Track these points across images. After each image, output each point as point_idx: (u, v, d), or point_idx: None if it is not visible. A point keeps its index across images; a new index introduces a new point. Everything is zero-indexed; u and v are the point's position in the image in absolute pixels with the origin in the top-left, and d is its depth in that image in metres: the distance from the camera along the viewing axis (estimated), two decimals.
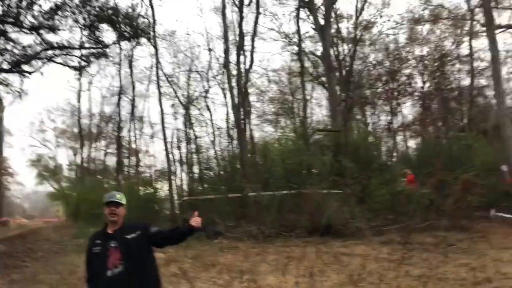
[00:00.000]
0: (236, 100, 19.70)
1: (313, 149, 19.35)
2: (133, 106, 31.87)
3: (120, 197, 4.01)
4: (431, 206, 14.98)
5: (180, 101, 26.96)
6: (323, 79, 28.14)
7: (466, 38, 27.13)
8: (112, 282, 3.79)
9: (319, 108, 41.51)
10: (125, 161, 35.69)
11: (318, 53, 27.79)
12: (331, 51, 26.62)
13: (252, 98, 31.19)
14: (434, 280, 7.75)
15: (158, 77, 23.14)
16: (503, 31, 25.82)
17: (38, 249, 15.54)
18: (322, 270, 9.12)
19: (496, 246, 10.78)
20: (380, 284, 7.70)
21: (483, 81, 25.54)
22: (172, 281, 8.93)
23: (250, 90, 26.79)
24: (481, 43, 25.67)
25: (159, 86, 21.72)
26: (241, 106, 19.39)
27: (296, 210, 15.25)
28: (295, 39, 24.50)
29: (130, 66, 30.50)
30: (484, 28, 21.50)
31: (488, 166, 17.95)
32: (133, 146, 34.96)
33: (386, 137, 30.93)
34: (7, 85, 22.90)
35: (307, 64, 30.79)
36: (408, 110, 35.54)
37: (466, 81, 26.90)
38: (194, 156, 23.68)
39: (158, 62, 23.24)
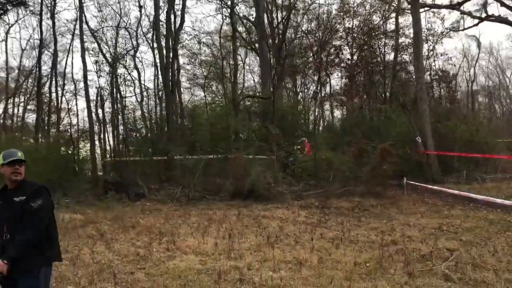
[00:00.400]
0: (165, 60, 19.09)
1: (241, 115, 19.39)
2: (54, 61, 29.86)
3: (21, 155, 3.72)
4: (350, 173, 15.70)
5: (105, 58, 25.66)
6: (256, 45, 28.05)
7: (393, 14, 28.16)
8: (4, 248, 3.53)
9: (251, 74, 41.60)
10: (46, 118, 33.73)
11: (252, 18, 27.57)
12: (265, 18, 26.49)
13: (183, 60, 30.55)
14: (346, 242, 8.18)
15: (81, 31, 21.75)
16: (427, 10, 27.08)
17: None
18: (242, 232, 9.30)
19: (405, 211, 11.55)
20: (295, 245, 8.00)
21: (406, 57, 26.72)
22: (88, 242, 8.69)
23: (180, 52, 26.13)
24: (407, 19, 26.76)
25: (82, 41, 20.47)
26: (170, 67, 18.84)
27: (221, 174, 15.34)
28: (229, 2, 24.00)
29: (52, 18, 28.42)
30: (409, 6, 22.37)
31: (404, 137, 19.03)
32: (54, 103, 32.98)
33: (314, 106, 31.79)
34: None
35: (241, 29, 30.49)
36: (336, 81, 36.59)
37: (391, 56, 28.08)
38: (120, 116, 22.80)
39: (82, 14, 21.80)
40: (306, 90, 39.33)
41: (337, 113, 37.30)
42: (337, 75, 31.71)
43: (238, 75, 29.18)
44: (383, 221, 10.41)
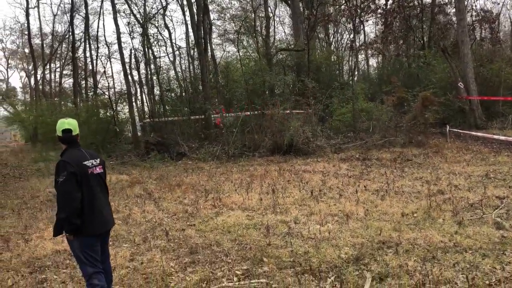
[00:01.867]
0: (195, 18, 18.84)
1: (275, 69, 19.13)
2: (86, 24, 30.06)
3: (73, 126, 3.82)
4: (389, 123, 15.44)
5: (136, 19, 25.60)
6: None
7: None
8: None
9: (281, 26, 40.72)
10: (82, 82, 34.40)
11: None
12: None
13: (213, 16, 30.11)
14: (391, 193, 8.14)
15: None
16: None
17: None
18: (285, 187, 9.39)
19: (449, 160, 11.34)
20: (340, 198, 8.03)
21: None
22: (137, 202, 9.02)
23: (210, 7, 25.70)
24: None
25: (113, 3, 20.38)
26: (201, 24, 18.61)
27: (259, 131, 15.37)
28: None
29: None
30: None
31: (445, 83, 18.40)
32: (90, 67, 33.53)
33: (349, 55, 30.96)
34: None
35: None
36: (370, 28, 35.34)
37: None
38: (154, 77, 22.97)
39: None
40: (339, 40, 38.37)
41: (373, 62, 36.35)
42: (372, 21, 30.67)
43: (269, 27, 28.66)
44: (427, 170, 10.27)
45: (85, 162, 3.81)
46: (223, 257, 5.37)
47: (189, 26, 24.16)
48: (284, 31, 39.74)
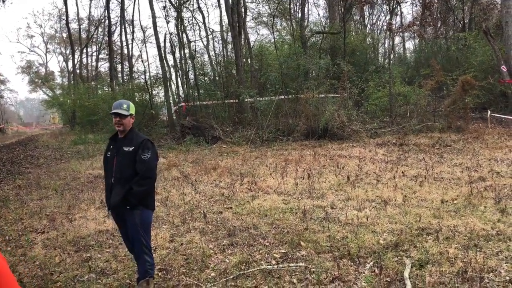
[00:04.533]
0: (230, 0, 18.77)
1: (310, 53, 18.92)
2: (122, 9, 30.46)
3: (125, 108, 3.93)
4: (428, 108, 15.09)
5: (171, 2, 25.68)
6: None
7: None
8: (112, 189, 3.98)
9: (315, 8, 40.13)
10: (118, 66, 34.99)
11: None
12: None
13: None
14: (430, 179, 7.99)
15: None
16: None
17: (39, 155, 15.74)
18: (320, 171, 9.37)
19: (490, 146, 11.02)
20: (377, 184, 7.95)
21: None
22: (175, 184, 9.19)
23: None
24: None
25: None
26: (236, 7, 18.52)
27: (293, 115, 15.32)
28: None
29: None
30: None
31: (487, 66, 17.78)
32: (125, 51, 34.03)
33: (384, 38, 30.26)
34: None
35: None
36: (407, 9, 34.32)
37: None
38: (189, 61, 23.10)
39: None
40: (375, 22, 37.51)
41: (409, 44, 35.42)
42: (410, 2, 29.81)
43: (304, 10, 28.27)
44: (467, 156, 10.01)
45: None
46: (260, 240, 5.43)
47: (223, 10, 24.13)
48: (319, 14, 39.18)
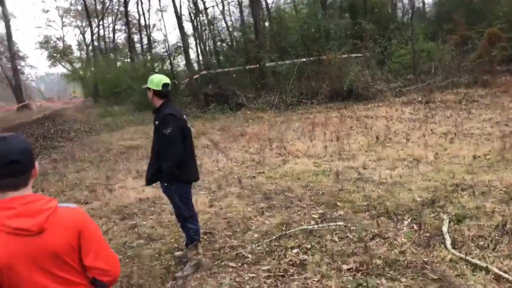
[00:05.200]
0: None
1: (330, 13, 18.58)
2: None
3: (147, 82, 4.05)
4: (452, 63, 14.82)
5: None
6: None
7: None
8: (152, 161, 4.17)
9: None
10: (135, 37, 35.05)
11: None
12: None
13: None
14: (460, 136, 7.99)
15: None
16: None
17: (69, 129, 16.12)
18: (348, 133, 9.43)
19: None
20: (407, 143, 7.99)
21: None
22: (206, 152, 9.39)
23: None
24: None
25: None
26: None
27: (316, 77, 15.23)
28: None
29: None
30: None
31: None
32: (142, 21, 34.00)
33: None
34: None
35: None
36: None
37: None
38: (205, 28, 23.02)
39: None
40: None
41: None
42: None
43: None
44: (496, 111, 9.92)
45: (183, 116, 4.08)
46: (297, 202, 5.60)
47: None
48: None
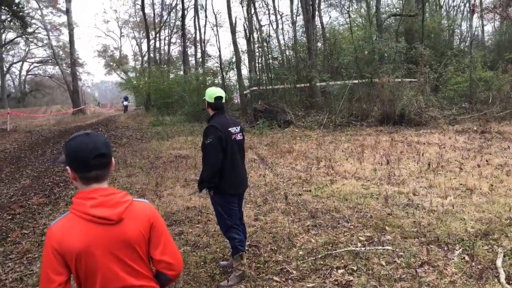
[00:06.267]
0: None
1: (385, 36, 18.43)
2: None
3: (224, 94, 4.26)
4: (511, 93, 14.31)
5: None
6: None
7: None
8: None
9: None
10: (190, 51, 35.99)
11: None
12: None
13: None
14: None
15: None
16: None
17: (121, 136, 16.68)
18: (398, 158, 9.25)
19: None
20: (460, 172, 7.75)
21: None
22: (252, 166, 9.47)
23: None
24: None
25: None
26: None
27: (367, 100, 15.08)
28: None
29: None
30: None
31: None
32: (198, 35, 34.86)
33: (461, 20, 28.68)
34: None
35: None
36: None
37: None
38: (260, 45, 23.32)
39: None
40: (450, 3, 35.53)
41: (488, 27, 33.29)
42: None
43: None
44: None
45: (230, 128, 4.15)
46: (344, 223, 5.54)
47: None
48: None
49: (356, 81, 15.91)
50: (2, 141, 16.09)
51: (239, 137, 4.27)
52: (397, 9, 24.61)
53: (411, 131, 12.65)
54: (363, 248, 4.63)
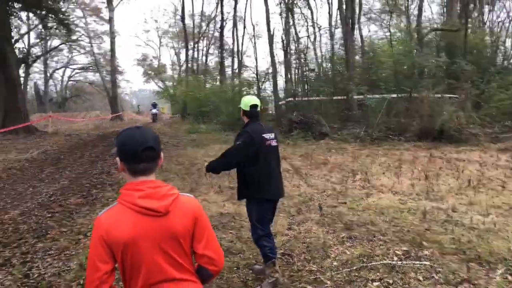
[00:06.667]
0: None
1: (426, 50, 18.10)
2: (235, 7, 31.66)
3: (259, 102, 4.35)
4: None
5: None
6: None
7: None
8: None
9: (428, 3, 38.07)
10: (227, 61, 36.45)
11: None
12: None
13: None
14: None
15: None
16: None
17: None
18: (437, 174, 9.01)
19: None
20: (503, 190, 7.48)
21: None
22: (286, 176, 9.41)
23: None
24: None
25: None
26: (350, 2, 18.29)
27: (406, 114, 14.80)
28: None
29: None
30: None
31: None
32: (235, 46, 35.27)
33: (505, 37, 27.89)
34: None
35: None
36: None
37: None
38: (297, 57, 23.38)
39: None
40: (495, 19, 34.65)
41: None
42: None
43: (415, 4, 27.04)
44: None
45: (264, 135, 4.17)
46: (380, 236, 5.42)
47: (333, 5, 24.01)
48: (431, 9, 37.16)
49: (395, 95, 15.65)
50: (43, 143, 16.66)
51: (273, 143, 4.28)
52: (438, 24, 24.22)
53: (450, 148, 12.31)
54: (399, 262, 4.51)
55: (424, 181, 8.23)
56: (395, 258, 4.67)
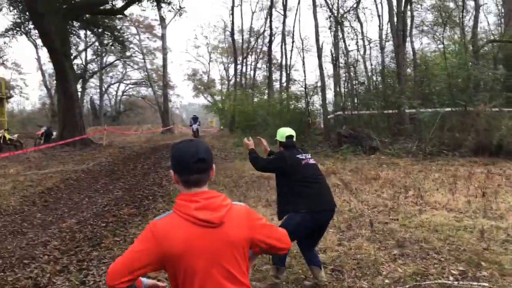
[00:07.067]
0: (395, 9, 18.29)
1: (482, 62, 17.41)
2: (284, 21, 31.82)
3: (294, 133, 4.67)
4: None
5: (332, 12, 26.03)
6: None
7: None
8: None
9: (484, 14, 36.70)
10: (275, 76, 36.56)
11: None
12: None
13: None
14: None
15: None
16: None
17: None
18: (495, 191, 8.59)
19: None
20: None
21: None
22: (336, 191, 9.28)
23: None
24: None
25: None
26: (402, 15, 17.94)
27: (460, 129, 14.24)
28: None
29: None
30: None
31: None
32: (284, 60, 35.37)
33: None
34: (169, 3, 24.66)
35: None
36: None
37: None
38: (347, 70, 23.15)
39: None
40: None
41: None
42: None
43: (469, 15, 26.17)
44: None
45: (298, 156, 4.39)
46: (434, 254, 5.22)
47: (383, 19, 23.66)
48: (487, 20, 35.82)
49: (449, 109, 15.11)
50: (98, 154, 17.32)
51: (311, 161, 4.45)
52: (495, 35, 23.29)
53: (510, 164, 11.72)
54: (455, 282, 4.32)
55: (481, 199, 7.86)
56: (451, 278, 4.48)
